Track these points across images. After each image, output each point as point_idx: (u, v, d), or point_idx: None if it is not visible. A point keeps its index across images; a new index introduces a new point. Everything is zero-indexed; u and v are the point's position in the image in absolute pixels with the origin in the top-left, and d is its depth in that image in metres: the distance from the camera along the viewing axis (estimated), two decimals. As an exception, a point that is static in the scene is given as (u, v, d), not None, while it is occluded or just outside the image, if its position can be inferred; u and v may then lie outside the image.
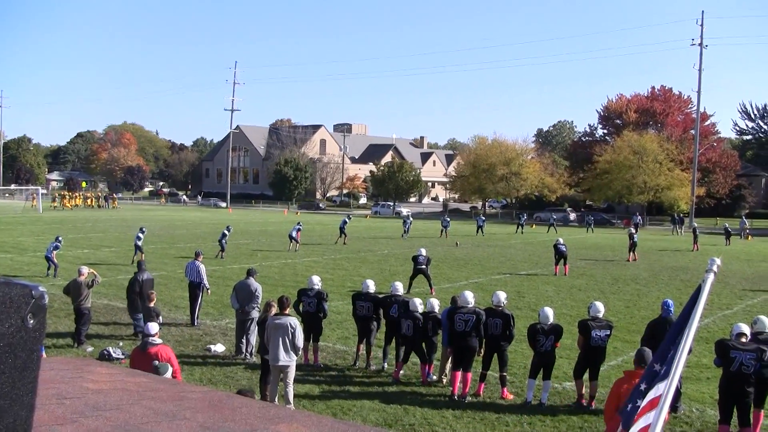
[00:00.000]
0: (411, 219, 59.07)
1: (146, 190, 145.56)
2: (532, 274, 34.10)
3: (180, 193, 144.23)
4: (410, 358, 15.45)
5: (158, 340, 11.57)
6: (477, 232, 59.81)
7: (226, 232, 37.96)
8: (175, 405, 3.15)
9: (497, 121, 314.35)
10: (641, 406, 4.26)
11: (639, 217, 73.81)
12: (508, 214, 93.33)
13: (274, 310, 13.88)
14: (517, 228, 66.27)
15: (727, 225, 61.29)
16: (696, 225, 60.36)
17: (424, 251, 28.15)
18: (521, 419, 12.90)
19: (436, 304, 15.44)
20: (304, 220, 59.63)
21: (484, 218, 65.48)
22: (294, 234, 41.48)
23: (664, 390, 3.98)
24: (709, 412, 13.54)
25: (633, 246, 41.24)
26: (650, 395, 4.20)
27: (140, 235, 34.27)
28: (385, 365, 15.92)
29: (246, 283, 17.44)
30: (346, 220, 49.39)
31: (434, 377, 15.25)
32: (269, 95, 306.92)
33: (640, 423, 4.14)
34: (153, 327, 11.74)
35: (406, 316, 15.00)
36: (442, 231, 55.67)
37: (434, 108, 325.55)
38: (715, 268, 4.61)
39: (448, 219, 59.67)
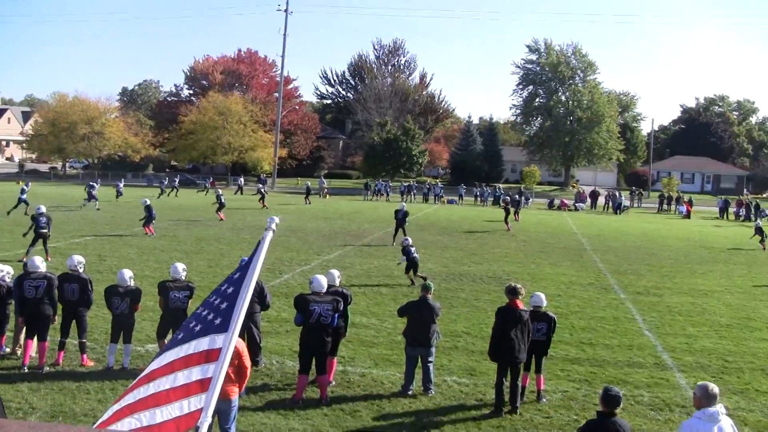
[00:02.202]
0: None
1: None
2: (115, 235, 33.26)
3: None
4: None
5: None
6: (117, 197, 56.28)
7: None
8: None
9: (79, 77, 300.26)
10: (174, 361, 4.24)
11: (264, 183, 74.04)
12: (90, 175, 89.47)
13: None
14: (165, 193, 62.55)
15: (309, 183, 64.78)
16: (261, 186, 62.44)
17: (43, 208, 26.27)
18: (103, 385, 12.56)
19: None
20: None
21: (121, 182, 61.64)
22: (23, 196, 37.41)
23: (225, 343, 4.03)
24: (288, 363, 14.24)
25: (221, 206, 42.56)
26: (202, 347, 4.22)
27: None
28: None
29: None
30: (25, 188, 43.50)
31: (7, 349, 14.24)
32: None
33: (196, 374, 4.14)
34: None
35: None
36: (89, 199, 48.48)
37: (10, 61, 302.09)
38: (273, 226, 4.76)
39: (94, 184, 52.60)
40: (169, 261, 23.31)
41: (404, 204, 38.72)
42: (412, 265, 23.74)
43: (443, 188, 76.84)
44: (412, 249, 23.98)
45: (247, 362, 9.30)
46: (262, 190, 55.80)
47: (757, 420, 12.53)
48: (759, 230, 38.94)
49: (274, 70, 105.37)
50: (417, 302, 13.40)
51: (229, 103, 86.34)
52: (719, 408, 7.46)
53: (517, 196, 57.99)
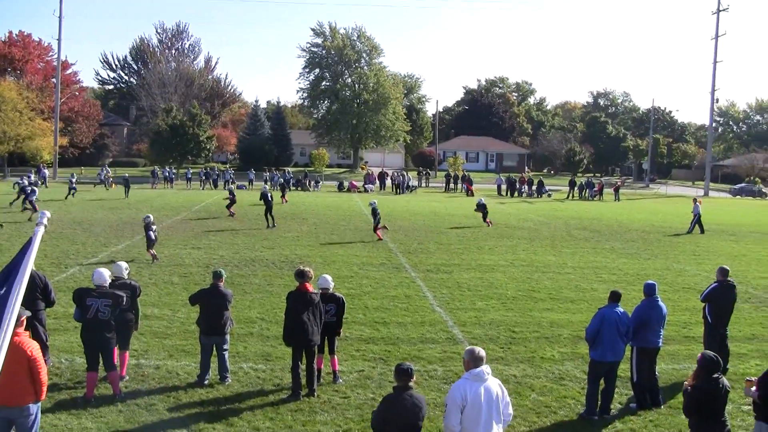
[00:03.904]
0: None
1: None
2: None
3: None
4: None
5: None
6: None
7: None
8: None
9: None
10: None
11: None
12: None
13: None
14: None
15: (126, 176, 62.34)
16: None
17: None
18: None
19: None
20: None
21: None
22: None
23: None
24: (77, 360, 13.72)
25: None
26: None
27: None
28: None
29: None
30: None
31: None
32: None
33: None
34: None
35: None
36: None
37: None
38: (45, 221, 4.53)
39: None
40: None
41: (266, 186, 43.01)
42: (149, 242, 25.49)
43: (233, 174, 75.89)
44: (153, 227, 25.71)
45: (41, 364, 8.72)
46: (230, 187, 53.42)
47: (542, 385, 13.28)
48: (482, 206, 39.67)
49: (51, 54, 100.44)
50: (208, 290, 13.23)
51: (1, 89, 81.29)
52: (485, 368, 7.93)
53: (281, 179, 58.39)
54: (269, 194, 37.52)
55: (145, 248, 25.92)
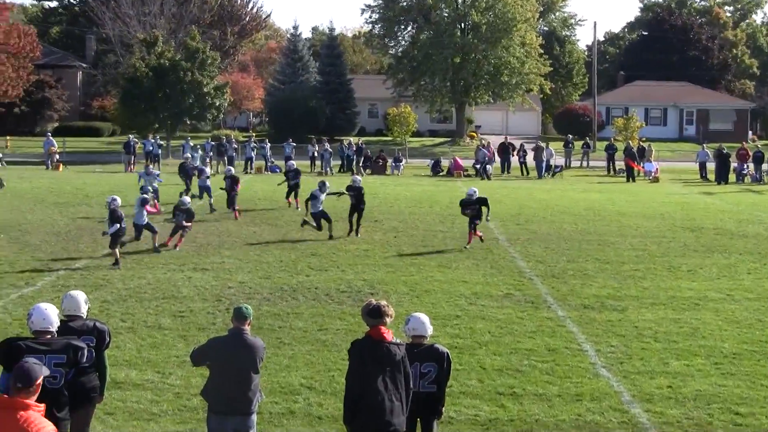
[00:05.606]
0: None
1: None
2: None
3: None
4: None
5: None
6: None
7: None
8: None
9: None
10: None
11: None
12: None
13: None
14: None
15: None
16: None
17: None
18: None
19: None
20: None
21: None
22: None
23: None
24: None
25: None
26: None
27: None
28: None
29: None
30: None
31: None
32: None
33: None
34: None
35: None
36: None
37: None
38: None
39: None
40: None
41: (359, 178, 41.66)
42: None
43: (262, 147, 73.78)
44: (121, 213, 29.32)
45: None
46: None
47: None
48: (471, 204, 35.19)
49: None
50: (225, 339, 13.08)
51: None
52: None
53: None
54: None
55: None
